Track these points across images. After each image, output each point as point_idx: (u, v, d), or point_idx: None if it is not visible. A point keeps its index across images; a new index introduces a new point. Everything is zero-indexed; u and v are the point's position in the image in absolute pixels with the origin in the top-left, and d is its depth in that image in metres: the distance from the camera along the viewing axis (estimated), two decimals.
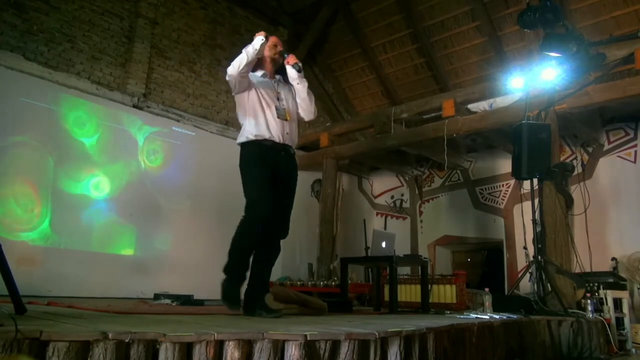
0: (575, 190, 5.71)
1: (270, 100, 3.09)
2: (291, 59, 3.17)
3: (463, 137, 6.49)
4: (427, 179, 8.14)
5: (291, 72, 3.18)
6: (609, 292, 4.39)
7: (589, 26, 5.83)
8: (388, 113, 6.46)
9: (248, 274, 2.97)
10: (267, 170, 2.98)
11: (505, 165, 6.92)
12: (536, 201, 4.79)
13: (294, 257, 7.38)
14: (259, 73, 3.20)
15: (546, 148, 4.64)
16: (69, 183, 5.46)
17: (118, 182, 5.85)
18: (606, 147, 6.17)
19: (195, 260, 6.19)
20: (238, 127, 8.08)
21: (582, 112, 5.24)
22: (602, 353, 3.84)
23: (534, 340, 3.05)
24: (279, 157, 3.05)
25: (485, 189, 7.35)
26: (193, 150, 6.61)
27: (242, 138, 3.08)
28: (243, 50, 3.03)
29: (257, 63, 3.17)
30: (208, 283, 5.93)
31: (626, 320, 4.36)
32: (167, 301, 4.49)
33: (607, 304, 4.33)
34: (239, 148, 3.11)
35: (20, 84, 5.23)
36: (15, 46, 5.35)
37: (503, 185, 7.13)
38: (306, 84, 3.25)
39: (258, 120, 3.03)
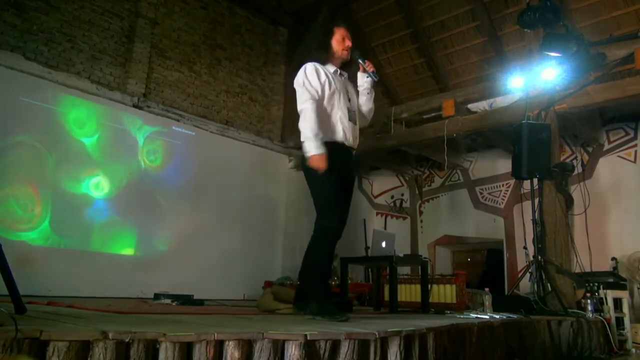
0: (575, 190, 5.72)
1: (343, 103, 2.80)
2: (370, 66, 2.86)
3: (463, 137, 6.49)
4: (427, 179, 8.14)
5: (365, 81, 2.89)
6: (609, 292, 4.39)
7: (589, 26, 5.83)
8: (388, 113, 6.46)
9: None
10: (338, 175, 2.76)
11: (505, 165, 6.91)
12: (536, 201, 4.79)
13: (294, 257, 7.37)
14: (331, 69, 2.86)
15: (546, 148, 4.64)
16: (69, 183, 5.46)
17: (118, 182, 5.85)
18: (606, 147, 6.17)
19: (195, 260, 6.20)
20: (238, 126, 8.05)
21: (582, 112, 5.24)
22: (602, 353, 3.84)
23: (534, 340, 3.05)
24: (348, 159, 2.85)
25: (485, 189, 7.35)
26: (193, 150, 6.61)
27: None
28: (309, 140, 2.63)
29: (325, 57, 2.86)
30: (208, 283, 5.98)
31: (626, 320, 4.36)
32: (167, 301, 4.49)
33: (607, 303, 4.33)
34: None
35: (20, 83, 5.23)
36: (15, 46, 5.35)
37: (503, 185, 7.13)
38: (374, 93, 2.99)
39: (331, 122, 2.77)
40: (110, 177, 5.80)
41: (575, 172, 5.65)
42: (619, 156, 6.04)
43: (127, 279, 5.62)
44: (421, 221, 8.05)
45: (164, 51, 6.71)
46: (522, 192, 5.44)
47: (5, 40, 5.28)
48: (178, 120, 6.64)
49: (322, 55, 2.86)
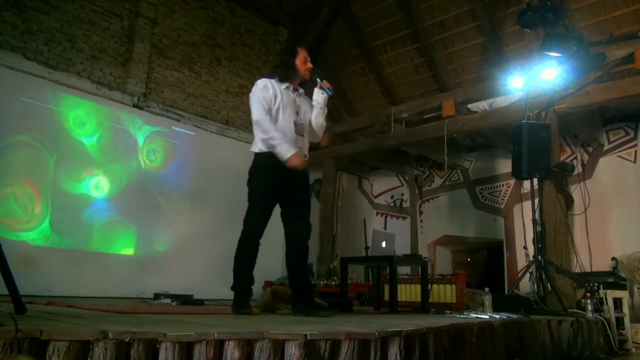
0: (575, 190, 5.72)
1: (289, 116, 3.07)
2: (326, 83, 3.14)
3: (463, 137, 6.49)
4: (427, 179, 8.14)
5: (320, 97, 3.15)
6: (609, 292, 4.39)
7: (589, 26, 5.83)
8: (388, 113, 6.46)
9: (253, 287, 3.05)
10: (270, 184, 3.01)
11: (505, 165, 6.92)
12: (536, 201, 4.79)
13: None
14: (284, 85, 3.13)
15: (546, 148, 4.64)
16: (69, 183, 5.46)
17: (118, 182, 5.85)
18: (606, 146, 6.17)
19: (195, 260, 6.20)
20: (238, 126, 8.05)
21: (582, 112, 5.24)
22: (602, 353, 3.84)
23: (534, 340, 3.05)
24: (290, 170, 3.01)
25: (485, 188, 7.35)
26: (193, 150, 6.61)
27: (255, 148, 3.08)
28: (278, 145, 2.95)
29: (287, 75, 3.13)
30: (208, 283, 5.97)
31: (626, 320, 4.36)
32: (167, 301, 4.49)
33: (607, 303, 4.33)
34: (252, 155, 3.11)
35: (20, 83, 5.23)
36: (15, 46, 5.35)
37: (503, 185, 7.13)
38: (326, 110, 3.24)
39: None
40: (110, 177, 5.80)
41: (575, 172, 5.66)
42: (619, 156, 6.04)
43: (127, 279, 5.62)
44: (421, 221, 8.06)
45: (164, 51, 6.71)
46: (522, 192, 5.45)
47: (5, 40, 5.28)
48: (178, 120, 6.64)
49: (286, 72, 3.14)
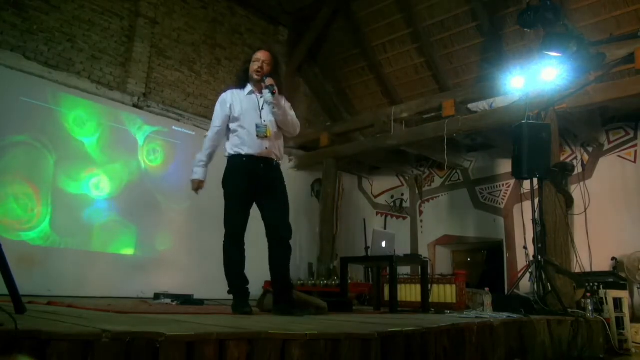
0: (575, 190, 5.72)
1: (250, 120, 3.14)
2: (268, 80, 3.12)
3: (463, 137, 6.49)
4: (427, 179, 8.14)
5: (267, 96, 3.15)
6: (609, 292, 4.39)
7: (589, 26, 5.83)
8: (388, 113, 6.46)
9: (249, 286, 3.08)
10: (241, 185, 3.11)
11: (505, 165, 6.92)
12: (536, 201, 4.79)
13: (294, 257, 7.30)
14: (247, 90, 3.23)
15: (546, 148, 4.64)
16: (69, 182, 5.46)
17: (118, 182, 5.85)
18: (606, 146, 6.17)
19: (195, 260, 6.19)
20: None
21: (582, 111, 5.24)
22: (602, 353, 3.84)
23: (534, 340, 3.05)
24: (257, 168, 3.12)
25: (485, 188, 7.35)
26: (193, 149, 6.53)
27: (225, 153, 3.21)
28: (194, 165, 3.27)
29: (244, 79, 3.24)
30: (208, 283, 5.96)
31: (626, 320, 4.36)
32: (167, 301, 4.50)
33: (607, 303, 4.33)
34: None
35: (20, 83, 5.23)
36: (15, 45, 5.34)
37: (503, 185, 7.13)
38: (282, 106, 3.19)
39: (237, 140, 3.15)
40: (110, 177, 5.80)
41: (575, 172, 5.66)
42: (619, 156, 6.04)
43: (127, 279, 5.62)
44: (421, 221, 8.06)
45: (164, 51, 6.70)
46: (522, 192, 5.45)
47: (5, 40, 5.28)
48: (178, 120, 6.64)
49: (238, 79, 3.30)
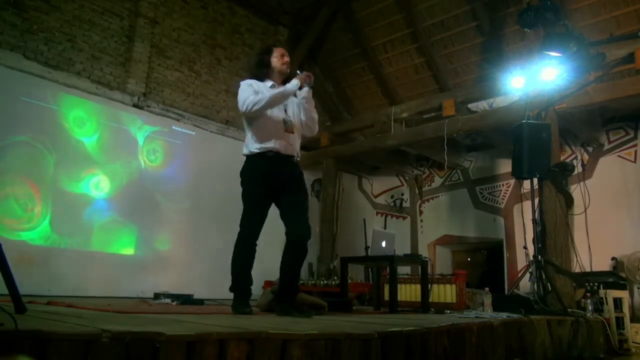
0: (575, 190, 5.72)
1: (278, 113, 3.07)
2: (306, 74, 3.11)
3: (463, 137, 6.50)
4: (427, 179, 8.14)
5: (303, 91, 3.11)
6: (609, 292, 4.39)
7: (589, 26, 5.83)
8: (388, 113, 6.46)
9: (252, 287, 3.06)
10: (261, 186, 3.02)
11: (505, 165, 6.92)
12: (536, 201, 4.79)
13: None
14: (268, 83, 3.13)
15: (546, 148, 4.64)
16: (69, 182, 5.46)
17: (118, 182, 5.85)
18: (606, 146, 6.17)
19: (195, 260, 6.20)
20: (238, 126, 8.04)
21: (582, 111, 5.24)
22: (602, 353, 3.84)
23: (534, 340, 3.05)
24: (282, 166, 3.05)
25: (485, 188, 7.35)
26: (193, 149, 6.61)
27: (245, 150, 3.09)
28: (270, 94, 2.95)
29: (264, 73, 3.15)
30: (208, 283, 5.97)
31: (626, 320, 4.36)
32: (167, 301, 4.49)
33: (607, 303, 4.33)
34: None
35: (20, 83, 5.23)
36: (15, 45, 5.34)
37: (503, 185, 7.13)
38: (313, 103, 3.20)
39: (263, 133, 3.03)
40: (110, 177, 5.80)
41: (575, 172, 5.65)
42: (619, 156, 6.04)
43: (127, 278, 5.62)
44: (421, 221, 8.06)
45: (164, 51, 6.70)
46: (522, 192, 5.45)
47: (5, 40, 5.28)
48: (178, 120, 6.64)
49: (261, 70, 3.15)
